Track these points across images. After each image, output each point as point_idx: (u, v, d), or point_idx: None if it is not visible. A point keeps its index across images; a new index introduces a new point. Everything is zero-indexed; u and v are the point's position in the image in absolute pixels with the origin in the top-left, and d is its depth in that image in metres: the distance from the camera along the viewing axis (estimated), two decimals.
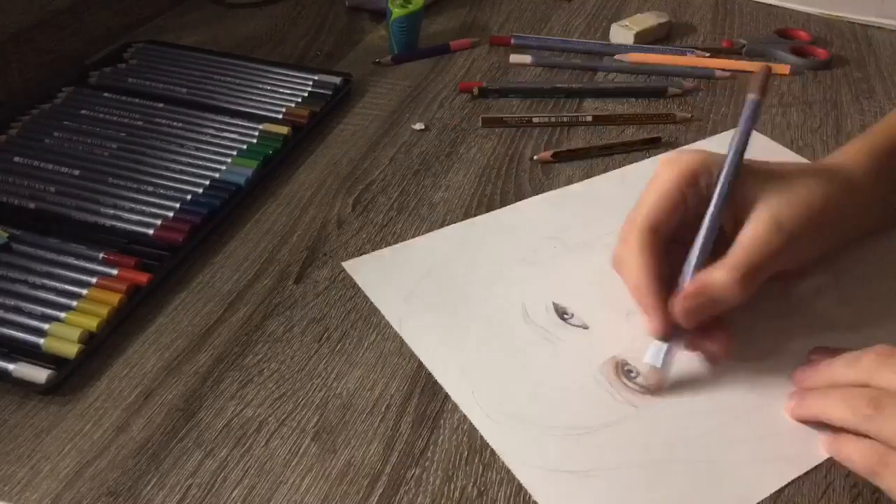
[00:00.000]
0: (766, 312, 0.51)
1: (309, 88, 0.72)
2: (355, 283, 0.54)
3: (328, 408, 0.46)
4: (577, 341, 0.50)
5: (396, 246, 0.56)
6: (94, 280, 0.51)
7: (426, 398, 0.46)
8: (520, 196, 0.61)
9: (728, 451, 0.44)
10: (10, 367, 0.46)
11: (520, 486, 0.42)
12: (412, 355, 0.49)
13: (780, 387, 0.47)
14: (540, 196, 0.61)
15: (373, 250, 0.56)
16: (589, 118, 0.70)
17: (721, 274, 0.46)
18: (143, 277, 0.52)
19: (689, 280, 0.47)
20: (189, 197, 0.59)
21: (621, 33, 0.82)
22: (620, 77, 0.77)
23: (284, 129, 0.66)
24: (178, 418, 0.45)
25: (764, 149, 0.65)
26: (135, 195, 0.59)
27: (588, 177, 0.64)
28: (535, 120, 0.69)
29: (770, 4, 0.91)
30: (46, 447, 0.43)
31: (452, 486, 0.42)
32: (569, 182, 0.63)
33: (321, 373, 0.48)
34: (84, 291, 0.51)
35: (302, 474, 0.42)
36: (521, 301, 0.52)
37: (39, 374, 0.46)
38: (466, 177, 0.63)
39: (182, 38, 0.81)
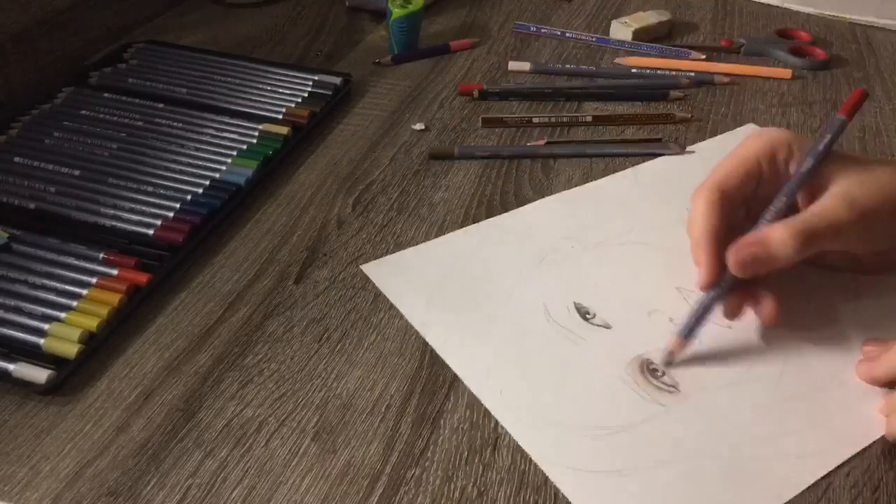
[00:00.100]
0: (823, 299, 0.52)
1: (309, 88, 0.72)
2: (355, 284, 0.54)
3: (328, 408, 0.46)
4: (601, 341, 0.50)
5: (414, 248, 0.56)
6: (94, 280, 0.51)
7: (426, 398, 0.46)
8: (520, 196, 0.61)
9: (758, 447, 0.44)
10: (11, 367, 0.46)
11: (520, 487, 0.42)
12: (412, 355, 0.49)
13: (809, 382, 0.47)
14: (554, 196, 0.62)
15: (373, 250, 0.56)
16: (589, 118, 0.70)
17: (780, 229, 0.48)
18: (143, 277, 0.52)
19: (752, 232, 0.48)
20: (189, 197, 0.59)
21: (621, 30, 0.83)
22: (620, 80, 0.77)
23: (284, 130, 0.66)
24: (178, 418, 0.45)
25: None
26: (135, 195, 0.59)
27: (587, 178, 0.63)
28: (535, 120, 0.69)
29: (770, 4, 0.91)
30: (46, 447, 0.43)
31: (452, 486, 0.42)
32: (569, 182, 0.63)
33: (321, 373, 0.48)
34: (84, 291, 0.51)
35: (302, 474, 0.42)
36: (543, 301, 0.52)
37: (39, 375, 0.46)
38: (466, 177, 0.63)
39: (182, 38, 0.81)
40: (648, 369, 0.48)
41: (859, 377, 0.48)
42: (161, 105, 0.68)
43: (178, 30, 0.83)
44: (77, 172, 0.61)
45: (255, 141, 0.65)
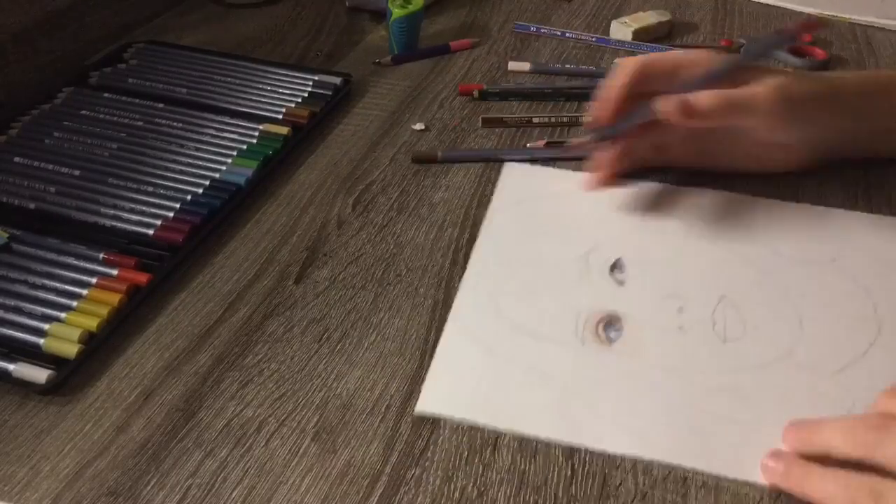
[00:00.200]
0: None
1: (309, 89, 0.72)
2: (355, 284, 0.54)
3: (328, 408, 0.46)
4: (602, 290, 0.53)
5: (555, 169, 0.64)
6: (94, 280, 0.52)
7: None
8: None
9: (617, 407, 0.46)
10: (11, 367, 0.46)
11: (520, 487, 0.42)
12: (412, 355, 0.49)
13: (742, 403, 0.46)
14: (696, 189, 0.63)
15: (373, 251, 0.56)
16: (589, 118, 0.70)
17: (762, 88, 0.55)
18: (142, 277, 0.52)
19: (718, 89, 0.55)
20: (189, 197, 0.59)
21: (621, 30, 0.83)
22: None
23: (284, 130, 0.66)
24: (178, 418, 0.45)
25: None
26: (135, 195, 0.59)
27: None
28: (535, 120, 0.69)
29: (770, 4, 0.91)
30: (46, 447, 0.43)
31: (452, 486, 0.42)
32: None
33: (321, 373, 0.48)
34: (84, 291, 0.51)
35: (302, 474, 0.42)
36: (596, 242, 0.56)
37: (39, 375, 0.46)
38: (466, 177, 0.63)
39: (182, 38, 0.81)
40: (606, 324, 0.50)
41: (763, 473, 0.42)
42: (161, 105, 0.68)
43: (178, 30, 0.83)
44: (77, 172, 0.61)
45: (255, 141, 0.65)
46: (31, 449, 0.43)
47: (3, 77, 0.70)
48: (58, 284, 0.51)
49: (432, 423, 0.45)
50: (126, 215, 0.57)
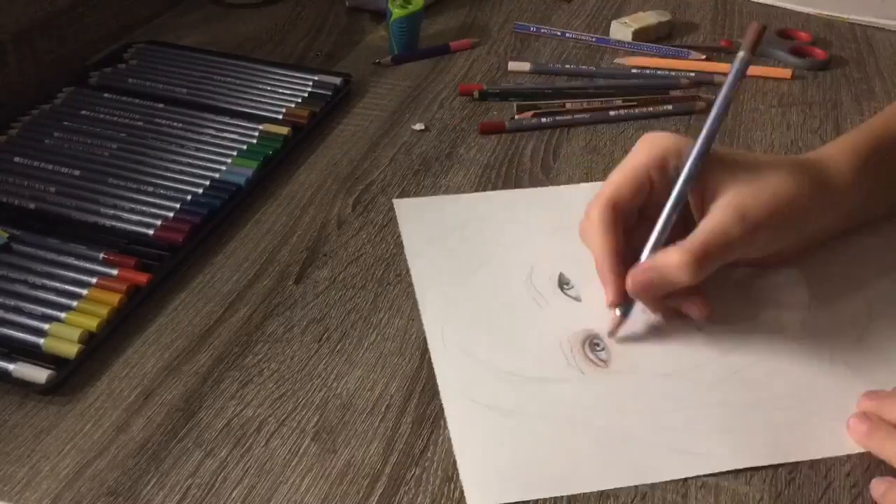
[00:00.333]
0: (730, 295, 0.53)
1: (309, 89, 0.72)
2: (355, 284, 0.54)
3: (328, 408, 0.46)
4: (564, 310, 0.52)
5: (447, 196, 0.61)
6: (94, 280, 0.51)
7: (426, 398, 0.46)
8: None
9: (656, 434, 0.44)
10: (10, 367, 0.46)
11: None
12: (412, 355, 0.49)
13: (742, 394, 0.47)
14: (589, 184, 0.63)
15: (373, 251, 0.56)
16: (619, 101, 0.72)
17: (674, 255, 0.47)
18: (142, 277, 0.52)
19: (647, 258, 0.48)
20: (189, 197, 0.59)
21: (621, 30, 0.83)
22: (620, 80, 0.77)
23: (284, 130, 0.66)
24: (178, 418, 0.45)
25: None
26: (135, 195, 0.59)
27: (587, 178, 0.63)
28: (569, 106, 0.71)
29: (770, 5, 0.91)
30: (46, 447, 0.43)
31: (452, 486, 0.42)
32: (569, 182, 0.63)
33: (321, 373, 0.48)
34: (84, 291, 0.51)
35: (302, 474, 0.42)
36: (531, 264, 0.55)
37: (39, 374, 0.46)
38: (466, 177, 0.63)
39: (182, 38, 0.81)
40: (590, 343, 0.49)
41: (851, 437, 0.44)
42: (161, 105, 0.68)
43: (178, 30, 0.83)
44: (77, 172, 0.61)
45: (255, 141, 0.65)
46: (30, 449, 0.43)
47: (3, 77, 0.70)
48: (58, 284, 0.51)
49: (432, 422, 0.45)
50: (126, 215, 0.57)
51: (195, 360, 0.48)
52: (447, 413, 0.45)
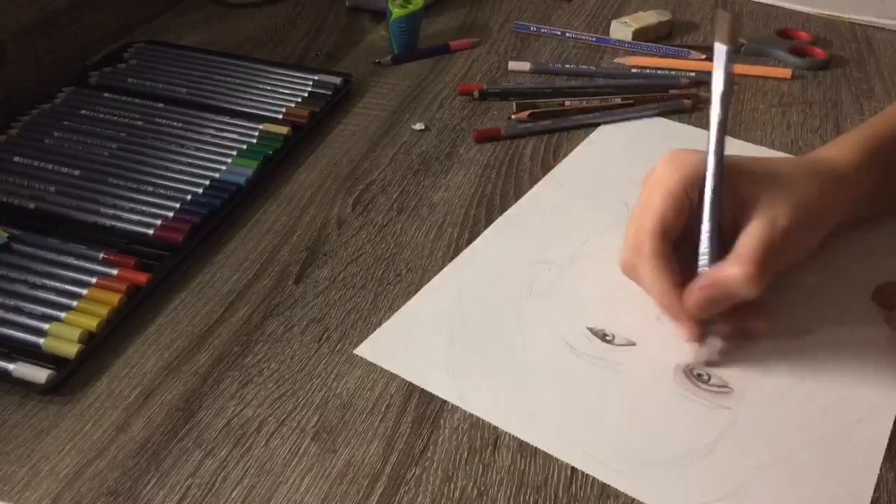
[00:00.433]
0: (784, 300, 0.52)
1: (309, 88, 0.72)
2: (355, 284, 0.54)
3: (328, 408, 0.46)
4: (636, 361, 0.48)
5: (395, 316, 0.51)
6: (93, 280, 0.51)
7: (426, 398, 0.46)
8: (519, 196, 0.61)
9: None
10: (10, 367, 0.46)
11: (520, 487, 0.42)
12: None
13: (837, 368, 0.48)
14: (491, 226, 0.58)
15: (373, 251, 0.56)
16: (618, 100, 0.71)
17: (734, 268, 0.46)
18: (142, 277, 0.52)
19: (705, 274, 0.47)
20: (189, 197, 0.59)
21: (621, 30, 0.82)
22: (620, 80, 0.77)
23: (284, 130, 0.66)
24: (178, 418, 0.45)
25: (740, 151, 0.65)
26: (135, 195, 0.59)
27: None
28: (568, 104, 0.71)
29: (770, 4, 0.91)
30: (46, 447, 0.43)
31: (452, 486, 0.42)
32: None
33: (321, 373, 0.48)
34: (84, 291, 0.51)
35: (302, 474, 0.42)
36: (560, 336, 0.50)
37: (39, 374, 0.46)
38: (466, 177, 0.63)
39: (182, 38, 0.81)
40: (695, 375, 0.48)
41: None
42: (161, 105, 0.68)
43: (178, 30, 0.83)
44: (77, 172, 0.61)
45: (255, 141, 0.65)
46: (30, 449, 0.43)
47: (3, 77, 0.70)
48: (58, 284, 0.51)
49: (432, 422, 0.45)
50: (126, 215, 0.57)
51: (195, 359, 0.48)
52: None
